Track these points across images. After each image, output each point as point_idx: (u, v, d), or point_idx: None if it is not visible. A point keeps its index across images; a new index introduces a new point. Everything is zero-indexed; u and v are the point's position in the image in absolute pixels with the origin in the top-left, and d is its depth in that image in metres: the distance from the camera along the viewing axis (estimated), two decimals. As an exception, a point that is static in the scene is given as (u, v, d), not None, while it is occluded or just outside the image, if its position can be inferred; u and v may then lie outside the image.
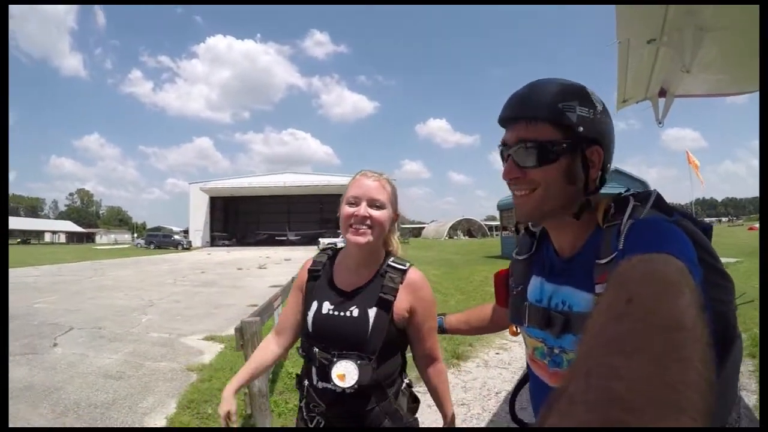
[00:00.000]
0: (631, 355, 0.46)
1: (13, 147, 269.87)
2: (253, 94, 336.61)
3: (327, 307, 1.89)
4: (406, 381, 1.97)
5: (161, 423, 4.91)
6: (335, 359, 1.78)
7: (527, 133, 1.24)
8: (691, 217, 1.22)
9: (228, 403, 1.91)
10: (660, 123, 4.79)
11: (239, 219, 72.81)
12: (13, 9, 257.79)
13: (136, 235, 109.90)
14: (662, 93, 4.46)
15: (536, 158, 1.23)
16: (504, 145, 1.31)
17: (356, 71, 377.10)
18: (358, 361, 1.76)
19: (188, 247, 55.38)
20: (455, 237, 79.43)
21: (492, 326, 2.02)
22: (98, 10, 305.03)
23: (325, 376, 1.79)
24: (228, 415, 1.91)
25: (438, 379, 2.01)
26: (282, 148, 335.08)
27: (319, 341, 1.86)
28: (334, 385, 1.76)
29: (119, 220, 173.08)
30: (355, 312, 1.83)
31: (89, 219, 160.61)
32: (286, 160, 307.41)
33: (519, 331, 1.64)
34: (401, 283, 1.88)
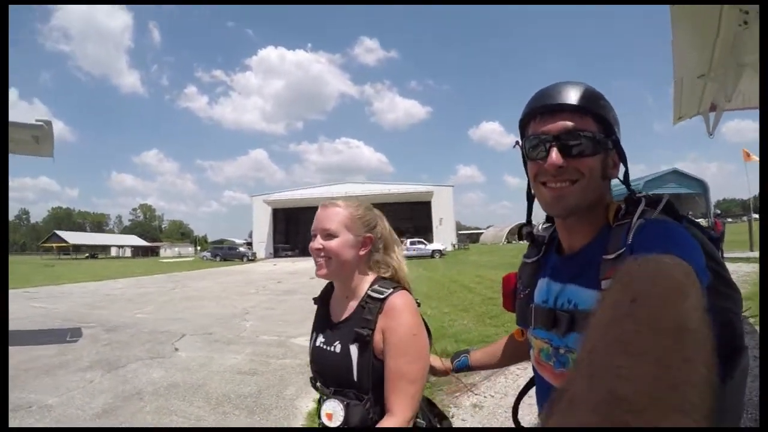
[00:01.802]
0: (634, 356, 0.46)
1: (76, 164, 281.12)
2: (306, 103, 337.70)
3: (320, 339, 1.84)
4: (420, 423, 1.72)
5: (311, 405, 5.38)
6: (328, 396, 1.72)
7: (575, 123, 1.23)
8: (699, 225, 1.26)
9: None
10: (711, 135, 5.62)
11: (300, 230, 73.78)
12: (72, 30, 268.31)
13: (198, 248, 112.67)
14: (713, 108, 5.22)
15: (585, 148, 1.23)
16: (540, 135, 1.27)
17: (407, 76, 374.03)
18: (348, 402, 1.65)
19: (253, 259, 56.36)
20: (514, 241, 78.76)
21: (522, 354, 1.81)
22: (152, 27, 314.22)
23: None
24: None
25: None
26: (336, 157, 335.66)
27: (319, 375, 1.81)
28: (321, 424, 1.69)
29: (181, 233, 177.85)
30: (338, 347, 1.73)
31: (152, 233, 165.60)
32: (340, 170, 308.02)
33: (524, 335, 1.66)
34: (380, 312, 1.70)
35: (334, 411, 1.65)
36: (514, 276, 1.68)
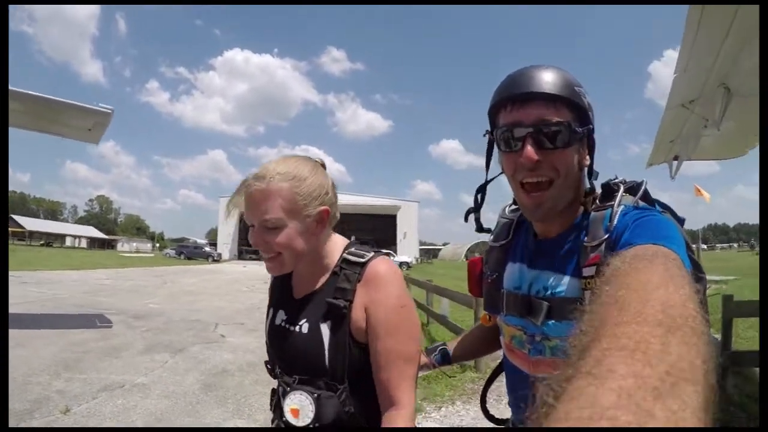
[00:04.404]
0: (628, 353, 0.44)
1: (30, 148, 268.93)
2: (268, 108, 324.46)
3: (280, 317, 1.53)
4: None
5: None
6: (292, 387, 1.40)
7: (548, 113, 1.16)
8: (671, 209, 1.24)
9: None
10: (673, 178, 7.28)
11: (263, 233, 73.55)
12: (37, 12, 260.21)
13: (157, 244, 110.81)
14: (675, 158, 6.97)
15: (560, 139, 1.16)
16: (512, 126, 1.20)
17: (372, 89, 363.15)
18: (318, 394, 1.35)
19: (218, 259, 55.68)
20: (473, 259, 79.78)
21: (496, 344, 1.66)
22: (119, 18, 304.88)
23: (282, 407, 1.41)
24: None
25: None
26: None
27: (279, 360, 1.52)
28: (286, 422, 1.37)
29: (137, 228, 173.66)
30: (305, 327, 1.44)
31: (108, 226, 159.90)
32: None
33: (491, 320, 1.63)
34: (359, 280, 1.41)
35: (301, 406, 1.35)
36: (480, 260, 1.65)
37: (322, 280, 1.48)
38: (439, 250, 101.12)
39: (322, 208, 1.43)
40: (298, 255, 1.41)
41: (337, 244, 1.53)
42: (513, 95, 1.20)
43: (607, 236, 1.12)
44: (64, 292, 15.86)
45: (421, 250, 71.62)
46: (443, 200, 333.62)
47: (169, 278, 24.99)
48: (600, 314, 0.56)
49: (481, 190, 1.47)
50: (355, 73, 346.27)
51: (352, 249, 1.50)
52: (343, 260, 1.46)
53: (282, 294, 1.58)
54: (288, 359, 1.47)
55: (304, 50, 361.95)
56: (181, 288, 19.62)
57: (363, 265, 1.42)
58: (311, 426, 1.32)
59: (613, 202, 1.19)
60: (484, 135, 1.33)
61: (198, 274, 29.70)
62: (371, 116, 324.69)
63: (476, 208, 1.48)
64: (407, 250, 56.76)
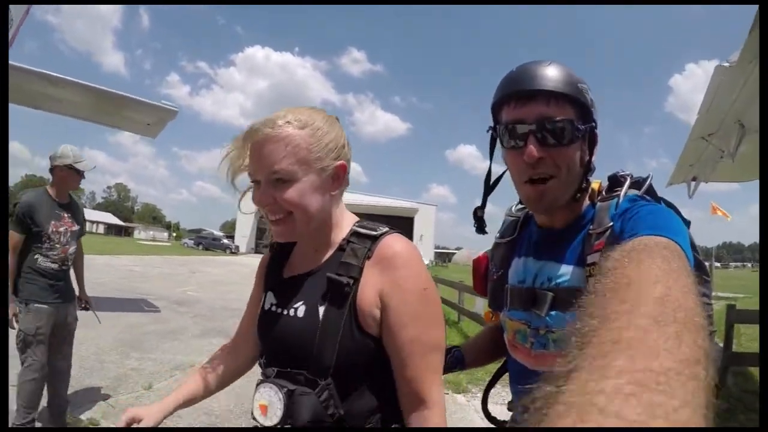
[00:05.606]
0: (626, 348, 0.42)
1: (50, 135, 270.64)
2: (287, 105, 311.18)
3: (270, 301, 1.33)
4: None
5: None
6: (266, 380, 1.19)
7: (551, 110, 1.15)
8: (676, 208, 1.19)
9: (146, 416, 1.30)
10: (690, 197, 8.02)
11: (276, 229, 73.11)
12: (64, 6, 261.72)
13: (174, 234, 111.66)
14: (694, 178, 7.72)
15: (563, 137, 1.15)
16: (515, 123, 1.18)
17: (391, 91, 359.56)
18: (291, 389, 1.13)
19: (235, 252, 56.74)
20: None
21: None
22: (143, 12, 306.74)
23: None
24: (132, 420, 1.28)
25: None
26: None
27: (265, 349, 1.32)
28: (254, 418, 1.17)
29: (153, 217, 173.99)
30: (301, 310, 1.22)
31: (125, 213, 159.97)
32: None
33: (495, 318, 1.61)
34: (369, 257, 1.20)
35: (270, 402, 1.14)
36: (486, 258, 1.60)
37: (327, 255, 1.29)
38: (453, 254, 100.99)
39: (339, 162, 1.26)
40: (311, 216, 1.21)
41: (347, 218, 1.34)
42: (516, 92, 1.18)
43: (612, 223, 1.12)
44: (101, 276, 16.15)
45: (435, 253, 71.60)
46: (458, 205, 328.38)
47: (195, 267, 25.44)
48: (598, 308, 0.54)
49: (486, 184, 1.42)
50: (375, 74, 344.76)
51: (364, 222, 1.31)
52: (352, 233, 1.26)
53: (276, 275, 1.38)
54: (280, 350, 1.25)
55: (325, 50, 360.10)
56: (209, 278, 20.03)
57: (374, 239, 1.22)
58: (280, 426, 1.11)
59: (619, 192, 1.20)
60: (488, 131, 1.30)
61: (221, 265, 30.13)
62: (389, 118, 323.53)
63: (482, 205, 1.45)
64: (423, 253, 54.89)
